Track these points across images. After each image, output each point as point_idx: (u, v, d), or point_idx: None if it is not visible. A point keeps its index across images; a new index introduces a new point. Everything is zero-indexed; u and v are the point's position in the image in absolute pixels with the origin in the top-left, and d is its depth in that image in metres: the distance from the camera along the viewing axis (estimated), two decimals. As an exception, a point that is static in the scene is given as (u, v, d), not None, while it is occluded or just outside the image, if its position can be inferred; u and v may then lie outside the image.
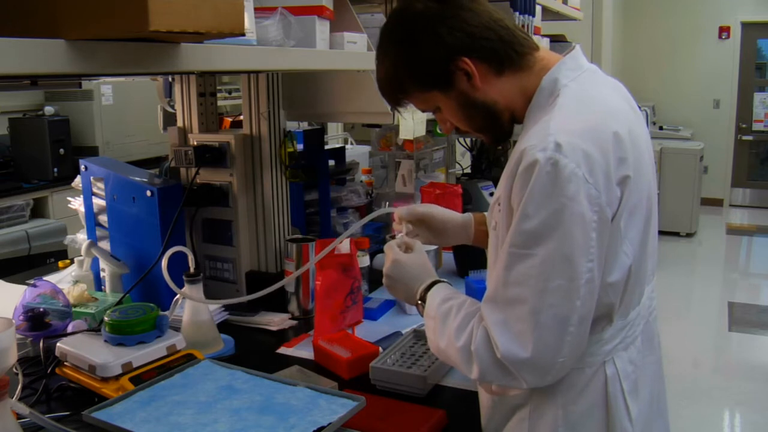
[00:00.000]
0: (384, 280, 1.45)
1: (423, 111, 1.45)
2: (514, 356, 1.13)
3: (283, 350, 1.76)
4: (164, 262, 1.57)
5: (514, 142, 1.29)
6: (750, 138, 9.30)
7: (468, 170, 3.68)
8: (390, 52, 1.31)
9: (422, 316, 1.36)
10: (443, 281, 1.39)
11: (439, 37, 1.23)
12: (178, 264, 1.73)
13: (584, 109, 1.19)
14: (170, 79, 2.29)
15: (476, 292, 1.97)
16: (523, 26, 2.63)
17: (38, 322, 1.65)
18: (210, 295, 1.83)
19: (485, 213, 1.66)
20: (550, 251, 1.10)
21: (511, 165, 1.17)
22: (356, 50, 1.87)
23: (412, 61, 1.27)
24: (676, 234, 7.67)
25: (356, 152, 3.37)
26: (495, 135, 1.36)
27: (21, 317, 1.66)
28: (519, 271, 1.13)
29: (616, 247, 1.17)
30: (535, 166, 1.10)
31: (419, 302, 1.37)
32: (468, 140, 3.60)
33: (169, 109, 2.37)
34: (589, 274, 1.12)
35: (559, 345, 1.13)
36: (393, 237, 1.59)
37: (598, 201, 1.11)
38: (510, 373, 1.15)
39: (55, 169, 4.47)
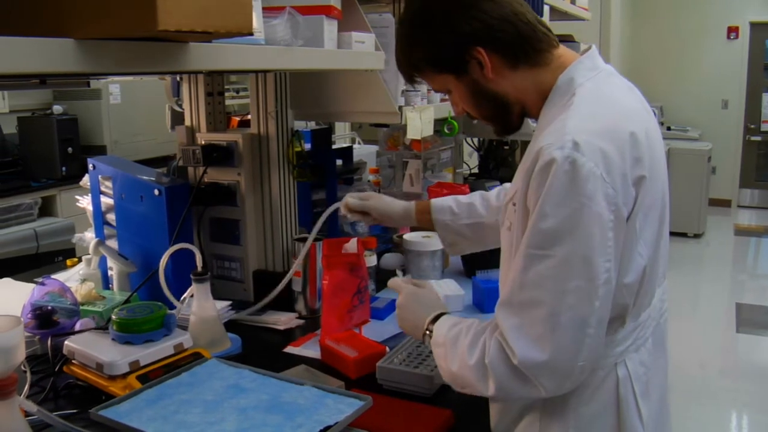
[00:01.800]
0: (397, 311, 1.46)
1: (436, 91, 1.49)
2: (532, 360, 1.11)
3: (290, 349, 1.76)
4: (162, 262, 1.57)
5: (522, 143, 1.29)
6: (758, 138, 9.25)
7: (475, 170, 3.68)
8: (408, 33, 1.33)
9: (427, 345, 1.35)
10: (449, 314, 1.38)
11: (457, 25, 1.24)
12: (185, 263, 1.73)
13: (601, 109, 1.19)
14: (178, 79, 2.29)
15: (483, 292, 1.97)
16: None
17: (46, 320, 1.66)
18: (217, 294, 1.83)
19: (432, 201, 1.79)
20: (569, 251, 1.09)
21: (526, 164, 1.16)
22: (364, 50, 1.87)
23: (429, 44, 1.29)
24: (684, 235, 7.65)
25: (364, 152, 3.37)
26: (503, 126, 1.36)
27: (29, 315, 1.66)
28: (536, 272, 1.12)
29: (632, 248, 1.16)
30: (553, 165, 1.09)
31: (426, 332, 1.35)
32: (475, 140, 3.60)
33: (177, 109, 2.38)
34: (606, 274, 1.11)
35: (579, 347, 1.11)
36: (352, 224, 1.88)
37: (614, 200, 1.10)
38: (528, 381, 1.13)
39: (63, 168, 4.48)
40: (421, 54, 1.32)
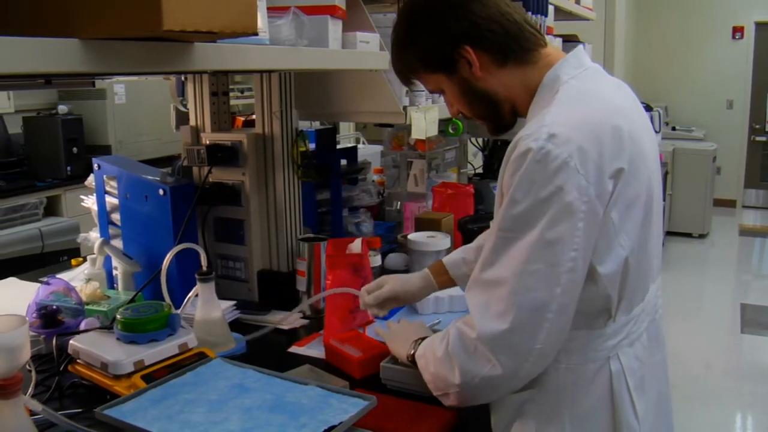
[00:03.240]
0: (387, 342, 1.54)
1: (430, 92, 1.51)
2: (490, 332, 1.14)
3: (294, 349, 1.76)
4: (165, 264, 1.57)
5: None
6: (763, 139, 9.23)
7: (480, 170, 3.68)
8: (399, 35, 1.37)
9: (410, 364, 1.41)
10: None
11: (445, 24, 1.28)
12: (190, 263, 1.74)
13: (582, 104, 1.22)
14: (183, 78, 2.30)
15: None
16: (535, 26, 2.62)
17: (51, 320, 1.66)
18: (221, 293, 1.83)
19: (444, 259, 1.73)
20: (535, 236, 1.12)
21: (506, 155, 1.20)
22: (368, 50, 1.87)
23: (419, 43, 1.33)
24: (689, 235, 7.64)
25: (368, 152, 3.37)
26: (495, 124, 1.39)
27: (34, 314, 1.67)
28: (504, 252, 1.16)
29: (611, 239, 1.18)
30: (528, 155, 1.12)
31: (412, 351, 1.40)
32: (480, 140, 3.60)
33: (182, 108, 2.38)
34: (572, 263, 1.13)
35: (537, 330, 1.14)
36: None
37: (587, 192, 1.12)
38: (486, 359, 1.16)
39: (69, 168, 4.49)
40: (412, 55, 1.35)
